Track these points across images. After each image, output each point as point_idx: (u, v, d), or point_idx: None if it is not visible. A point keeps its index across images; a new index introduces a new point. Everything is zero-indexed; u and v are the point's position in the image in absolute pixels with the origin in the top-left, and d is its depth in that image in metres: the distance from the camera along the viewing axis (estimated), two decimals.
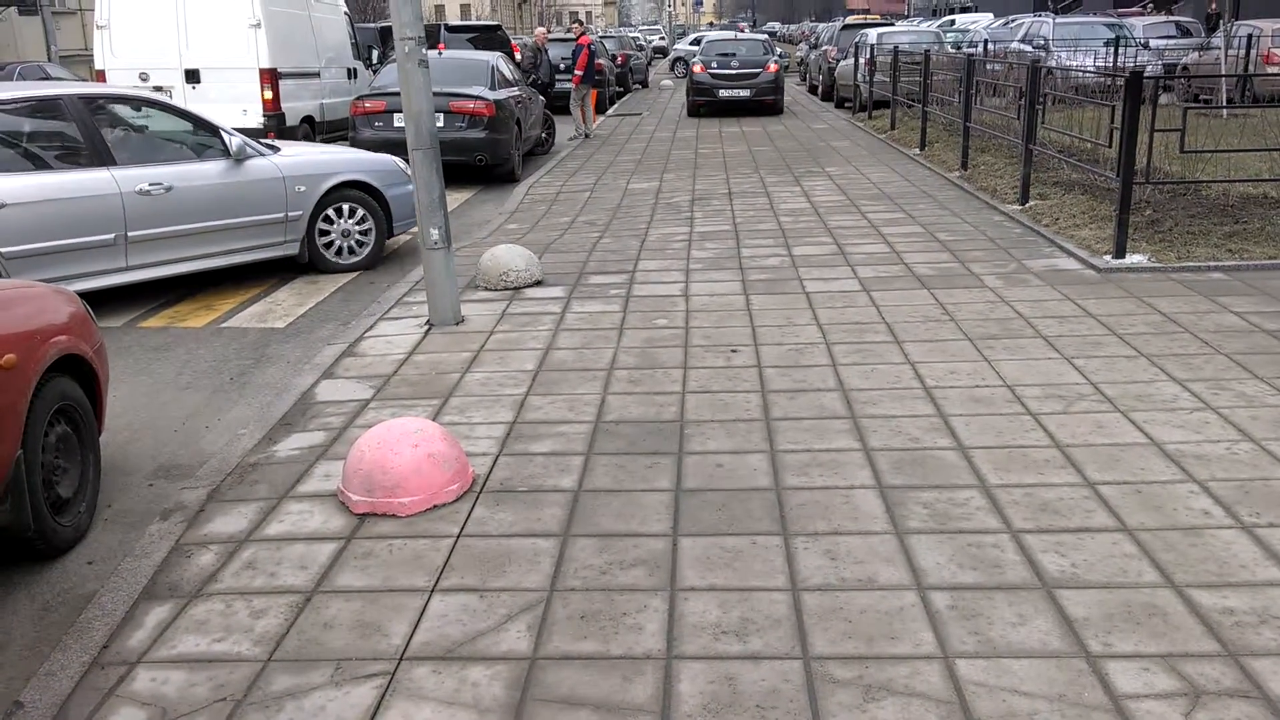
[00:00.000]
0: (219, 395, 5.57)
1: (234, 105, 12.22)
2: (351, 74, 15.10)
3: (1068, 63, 15.39)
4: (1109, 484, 3.84)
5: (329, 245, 8.25)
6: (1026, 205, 9.31)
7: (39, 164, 6.79)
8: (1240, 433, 4.27)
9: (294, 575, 3.41)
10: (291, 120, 12.74)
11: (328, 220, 8.18)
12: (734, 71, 20.85)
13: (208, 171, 7.44)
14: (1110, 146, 7.74)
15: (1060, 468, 3.99)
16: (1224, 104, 14.47)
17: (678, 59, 39.28)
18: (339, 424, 4.76)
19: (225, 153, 7.55)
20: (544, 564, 3.41)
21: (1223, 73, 15.32)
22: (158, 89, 12.36)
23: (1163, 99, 9.92)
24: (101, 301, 6.99)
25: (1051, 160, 10.05)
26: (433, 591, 3.27)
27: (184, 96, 12.34)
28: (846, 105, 21.28)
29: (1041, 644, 2.88)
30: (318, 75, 13.73)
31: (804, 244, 8.28)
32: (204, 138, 7.60)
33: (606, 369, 5.35)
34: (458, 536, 3.62)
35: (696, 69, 21.29)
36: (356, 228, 8.31)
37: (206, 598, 3.30)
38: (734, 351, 5.55)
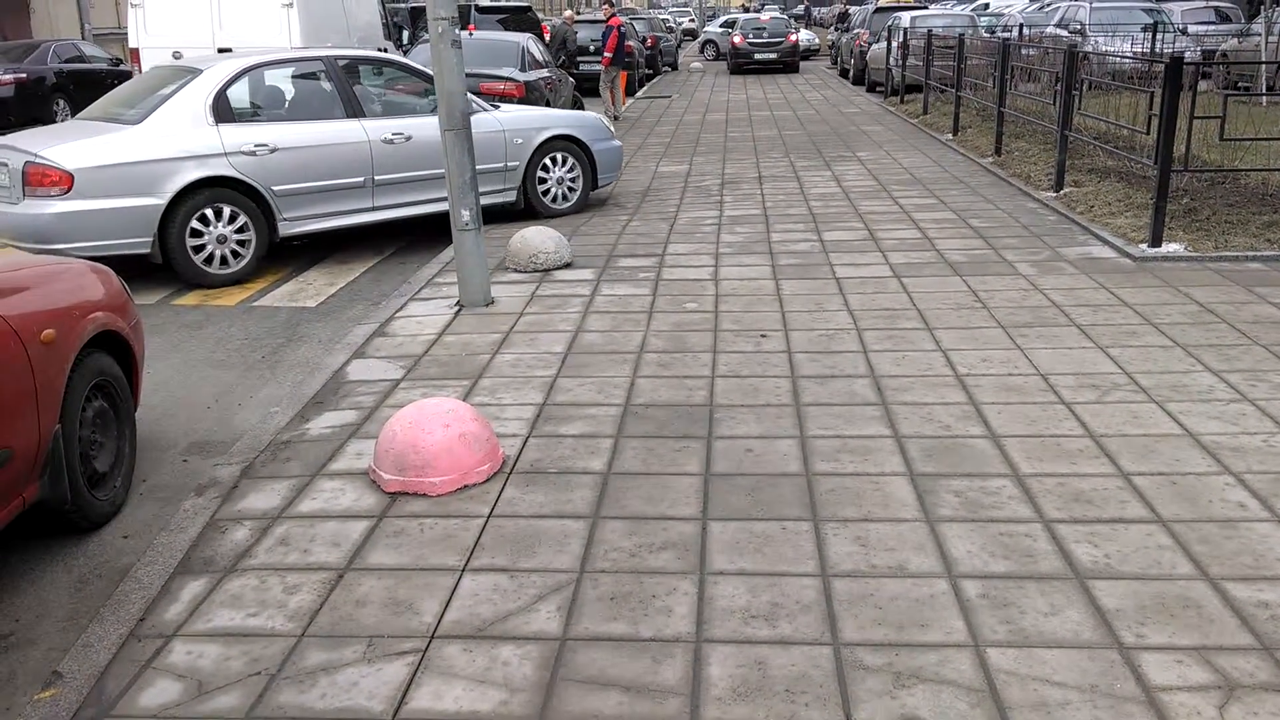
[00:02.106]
0: (251, 373, 5.62)
1: None
2: None
3: (1104, 48, 15.18)
4: (1143, 475, 3.80)
5: (545, 193, 9.19)
6: (1061, 192, 9.21)
7: (302, 115, 7.86)
8: (1277, 425, 4.21)
9: (327, 552, 3.44)
10: None
11: (545, 170, 9.13)
12: (764, 41, 29.62)
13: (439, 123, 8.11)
14: (1148, 133, 7.64)
15: (1094, 458, 3.96)
16: (1264, 91, 14.23)
17: (708, 41, 39.06)
18: (370, 403, 4.79)
19: None
20: (574, 545, 3.42)
21: (1263, 59, 15.06)
22: None
23: (1201, 86, 9.77)
24: (137, 277, 7.05)
25: (1087, 147, 9.93)
26: (464, 571, 3.29)
27: None
28: (878, 89, 21.11)
29: (1074, 634, 2.87)
30: None
31: (835, 229, 8.23)
32: (436, 95, 8.28)
33: (636, 352, 5.35)
34: (488, 516, 3.64)
35: (737, 39, 29.89)
36: (568, 176, 9.27)
37: (241, 573, 3.34)
38: (764, 336, 5.54)
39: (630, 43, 20.17)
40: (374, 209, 8.03)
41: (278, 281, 7.49)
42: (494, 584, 3.21)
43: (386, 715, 2.64)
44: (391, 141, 7.99)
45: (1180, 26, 18.31)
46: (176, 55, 12.40)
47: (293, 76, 8.06)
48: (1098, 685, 2.65)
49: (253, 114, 7.65)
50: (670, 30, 37.32)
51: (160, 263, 7.17)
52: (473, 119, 8.02)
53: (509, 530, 3.54)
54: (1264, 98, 13.59)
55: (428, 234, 8.77)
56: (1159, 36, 16.38)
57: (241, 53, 8.46)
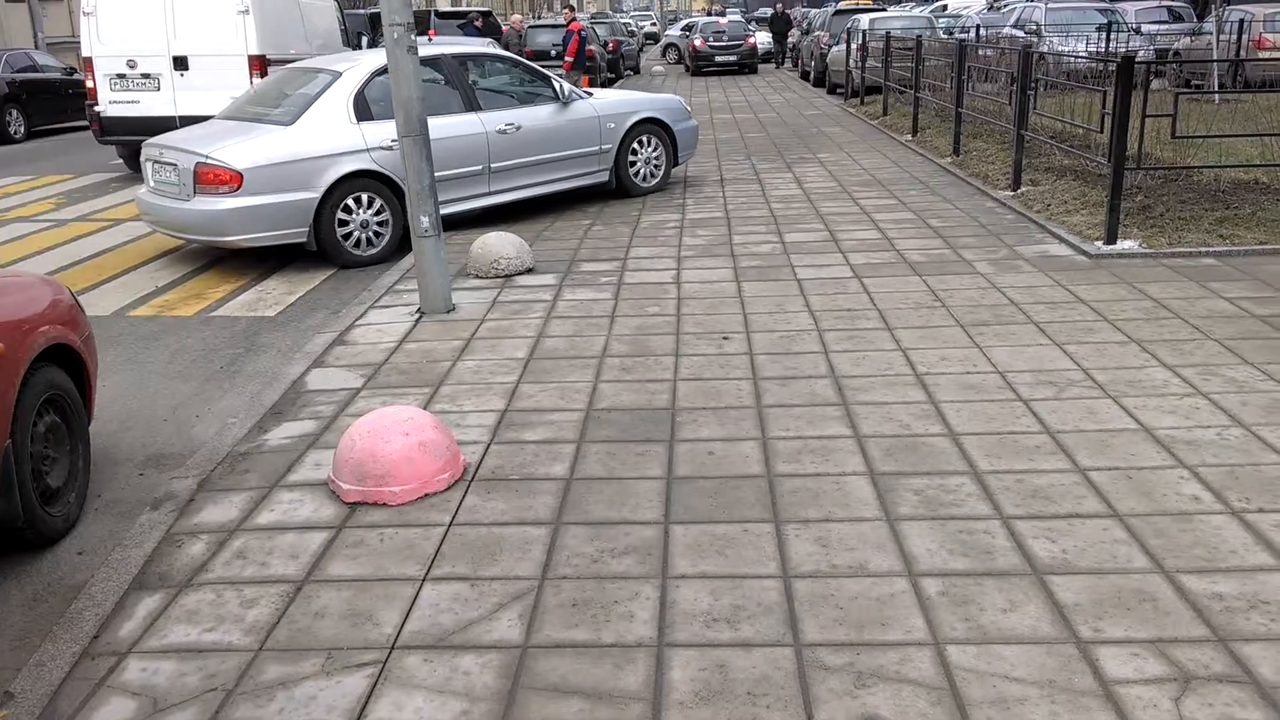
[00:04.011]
0: (209, 384, 5.55)
1: (223, 93, 12.08)
2: None
3: (1059, 48, 15.37)
4: (1099, 470, 3.84)
5: (636, 173, 10.07)
6: (1018, 191, 9.31)
7: (428, 110, 8.12)
8: (1230, 418, 4.28)
9: (285, 565, 3.40)
10: None
11: (634, 152, 10.01)
12: (724, 44, 30.43)
13: (544, 113, 9.17)
14: (1102, 132, 7.74)
15: (1051, 454, 4.00)
16: (1216, 89, 14.46)
17: (669, 45, 39.14)
18: (330, 413, 4.74)
19: (556, 97, 9.31)
20: (535, 552, 3.41)
21: (1214, 58, 15.31)
22: (145, 76, 12.28)
23: (1154, 84, 9.91)
24: (89, 289, 6.93)
25: (1043, 146, 10.05)
26: (424, 580, 3.27)
27: (172, 84, 12.25)
28: (839, 91, 21.24)
29: (1032, 630, 2.89)
30: None
31: (796, 230, 8.27)
32: (539, 85, 9.37)
33: (598, 357, 5.34)
34: (449, 525, 3.61)
35: (698, 42, 30.69)
36: (654, 156, 10.18)
37: (197, 587, 3.30)
38: (726, 339, 5.55)
39: (591, 47, 20.16)
40: (490, 193, 8.78)
41: (236, 291, 7.41)
42: (455, 593, 3.19)
43: None
44: (504, 132, 8.75)
45: (1134, 26, 18.57)
46: (131, 64, 12.28)
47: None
48: (1055, 680, 2.68)
49: (386, 111, 7.93)
50: (632, 34, 37.33)
51: (314, 250, 7.79)
52: (572, 105, 9.42)
53: (470, 538, 3.52)
54: (1215, 96, 13.81)
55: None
56: (1113, 36, 16.60)
57: (368, 54, 8.99)
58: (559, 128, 9.21)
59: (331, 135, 7.75)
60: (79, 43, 12.78)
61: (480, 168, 8.62)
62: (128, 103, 12.42)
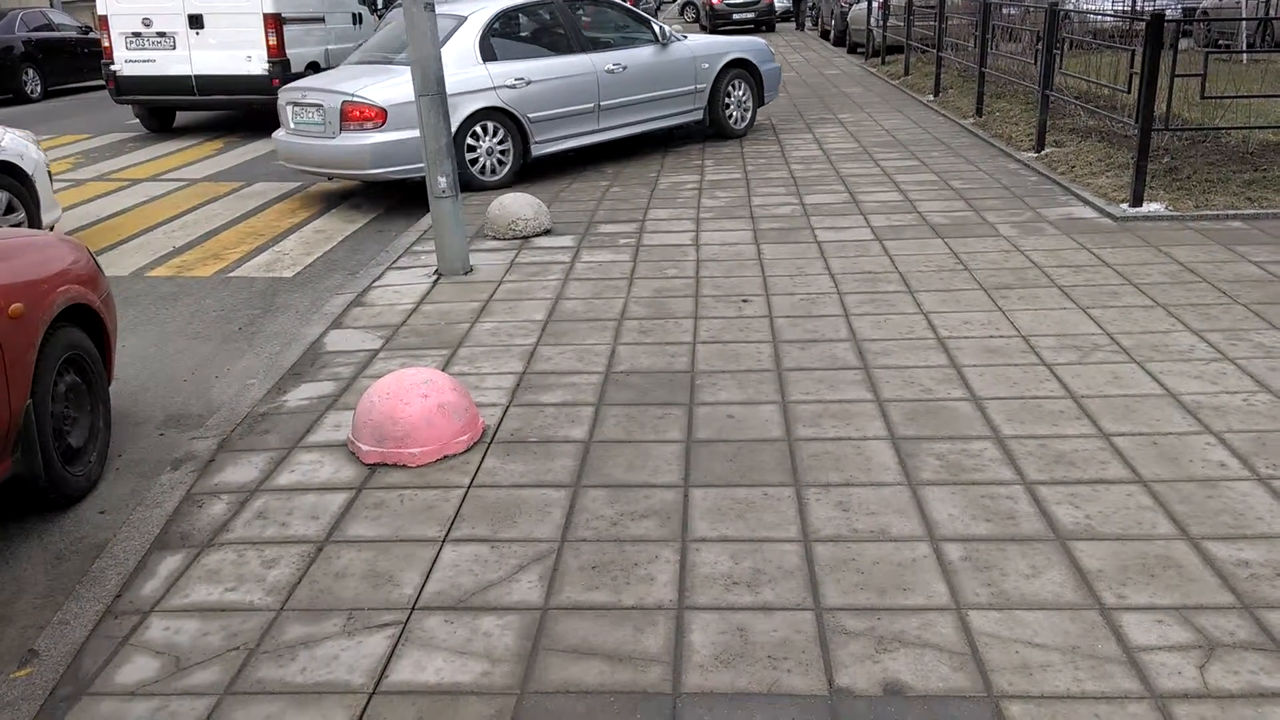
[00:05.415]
0: (228, 345, 5.55)
1: (238, 51, 12.06)
2: (356, 19, 14.87)
3: (1086, 6, 15.09)
4: (1124, 435, 3.80)
5: (729, 115, 10.68)
6: (1042, 153, 9.18)
7: (545, 52, 9.05)
8: (1257, 384, 4.22)
9: (305, 525, 3.41)
10: (296, 66, 12.56)
11: (727, 95, 10.57)
12: (741, 1, 30.11)
13: (646, 54, 9.71)
14: (1129, 92, 7.61)
15: (1075, 419, 3.95)
16: (1244, 48, 14.18)
17: (687, 3, 38.73)
18: (348, 374, 4.74)
19: (655, 39, 9.86)
20: (555, 514, 3.40)
21: (1243, 16, 15.01)
22: (161, 35, 12.22)
23: (1182, 44, 9.72)
24: (107, 249, 6.94)
25: (1068, 107, 9.89)
26: (444, 542, 3.27)
27: (188, 43, 12.18)
28: (859, 51, 20.96)
29: (1055, 596, 2.87)
30: (322, 20, 13.53)
31: (816, 192, 8.19)
32: (640, 28, 9.91)
33: (617, 319, 5.31)
34: (468, 487, 3.61)
35: (715, 0, 30.17)
36: (744, 99, 10.78)
37: (218, 547, 3.31)
38: (745, 301, 5.50)
39: None
40: (599, 130, 9.35)
41: (253, 251, 7.40)
42: (475, 554, 3.19)
43: (367, 688, 2.62)
44: (612, 72, 9.30)
45: None
46: (146, 22, 12.21)
47: (533, 18, 9.25)
48: (1079, 646, 2.66)
49: (507, 53, 8.70)
50: None
51: None
52: (671, 47, 10.00)
53: (489, 500, 3.52)
54: (1244, 55, 13.54)
55: (405, 201, 8.69)
56: None
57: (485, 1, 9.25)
58: (660, 67, 9.75)
59: (462, 75, 8.21)
60: (94, 1, 12.71)
61: (591, 105, 9.16)
62: (143, 62, 12.37)
